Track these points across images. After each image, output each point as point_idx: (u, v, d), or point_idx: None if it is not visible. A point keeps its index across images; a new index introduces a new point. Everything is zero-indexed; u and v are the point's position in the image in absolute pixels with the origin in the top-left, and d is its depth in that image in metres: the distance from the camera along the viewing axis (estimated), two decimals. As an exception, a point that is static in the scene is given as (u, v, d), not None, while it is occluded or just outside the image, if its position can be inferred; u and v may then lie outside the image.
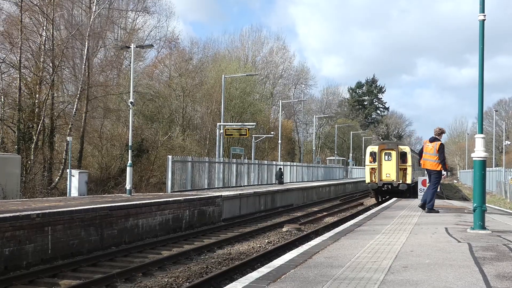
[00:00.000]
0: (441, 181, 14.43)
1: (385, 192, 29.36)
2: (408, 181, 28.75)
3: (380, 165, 29.00)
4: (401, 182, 28.48)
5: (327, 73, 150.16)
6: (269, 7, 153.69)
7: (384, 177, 28.87)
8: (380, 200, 30.26)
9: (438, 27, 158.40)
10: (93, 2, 32.55)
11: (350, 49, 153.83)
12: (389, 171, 28.95)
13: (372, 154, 29.46)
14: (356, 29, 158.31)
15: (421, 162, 14.13)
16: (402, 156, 28.99)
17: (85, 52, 31.57)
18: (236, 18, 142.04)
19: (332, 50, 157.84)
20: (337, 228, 9.94)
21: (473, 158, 9.63)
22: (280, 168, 36.06)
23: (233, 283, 5.28)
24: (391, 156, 29.04)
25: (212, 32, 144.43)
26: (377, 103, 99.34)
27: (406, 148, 29.87)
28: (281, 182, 34.90)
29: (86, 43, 31.38)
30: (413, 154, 30.71)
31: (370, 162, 29.53)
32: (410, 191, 30.17)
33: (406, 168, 28.89)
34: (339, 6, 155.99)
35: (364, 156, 40.12)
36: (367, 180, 29.48)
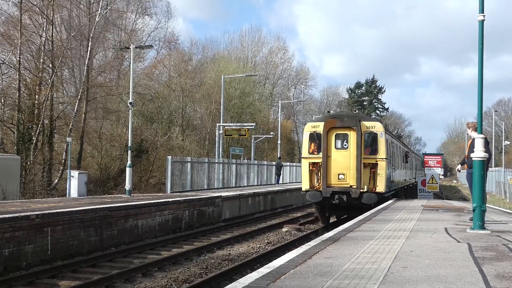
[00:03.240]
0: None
1: (337, 208, 18.05)
2: (381, 188, 17.16)
3: (327, 158, 17.19)
4: (366, 190, 16.85)
5: (328, 72, 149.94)
6: (271, 5, 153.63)
7: (334, 181, 17.29)
8: (329, 222, 19.49)
9: (442, 25, 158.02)
10: (97, 2, 32.50)
11: (352, 47, 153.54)
12: (343, 169, 17.31)
13: (314, 138, 17.92)
14: (358, 27, 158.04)
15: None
16: (370, 141, 17.57)
17: (87, 54, 31.57)
18: (237, 16, 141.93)
19: (333, 49, 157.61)
20: (336, 229, 9.94)
21: (473, 158, 9.64)
22: (280, 158, 36.20)
23: (233, 283, 5.28)
24: (347, 142, 17.46)
25: (213, 31, 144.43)
26: (376, 103, 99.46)
27: (376, 127, 17.64)
28: (278, 174, 35.09)
29: (89, 45, 31.37)
30: (390, 139, 19.66)
31: (310, 152, 18.00)
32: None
33: (377, 164, 17.26)
34: (342, 3, 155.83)
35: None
36: (304, 185, 17.79)
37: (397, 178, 22.96)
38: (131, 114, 22.38)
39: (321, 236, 8.73)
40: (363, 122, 17.59)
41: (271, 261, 6.43)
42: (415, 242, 8.20)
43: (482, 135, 9.74)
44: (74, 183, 24.56)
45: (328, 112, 20.37)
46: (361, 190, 16.88)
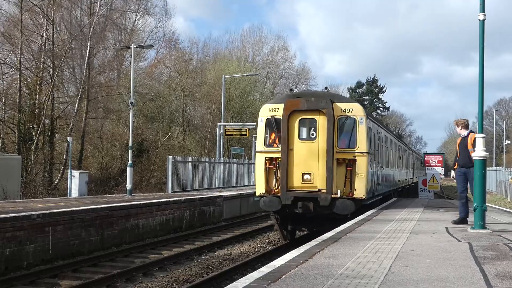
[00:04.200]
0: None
1: (300, 219, 14.13)
2: (360, 192, 13.24)
3: (288, 151, 13.26)
4: (340, 195, 12.93)
5: (330, 71, 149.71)
6: (272, 4, 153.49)
7: (297, 183, 13.35)
8: (290, 237, 14.94)
9: (444, 24, 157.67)
10: (96, 2, 32.53)
11: (353, 46, 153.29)
12: (309, 166, 13.35)
13: (271, 125, 13.90)
14: (360, 25, 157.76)
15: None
16: (346, 130, 13.59)
17: (87, 53, 31.60)
18: (238, 15, 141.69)
19: (335, 48, 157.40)
20: (337, 228, 9.94)
21: (473, 158, 9.63)
22: None
23: (234, 283, 5.28)
24: (315, 130, 13.49)
25: (214, 29, 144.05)
26: (377, 103, 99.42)
27: (355, 110, 13.61)
28: None
29: (88, 44, 31.38)
30: (376, 128, 15.78)
31: (267, 144, 13.97)
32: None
33: (355, 161, 13.31)
34: (344, 2, 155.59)
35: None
36: (258, 189, 13.73)
37: (388, 178, 18.99)
38: (131, 114, 22.39)
39: (322, 236, 8.74)
40: (336, 103, 13.34)
41: (272, 260, 6.43)
42: (416, 242, 8.20)
43: (482, 134, 9.74)
44: (75, 182, 24.58)
45: (291, 90, 14.97)
46: (333, 196, 12.70)
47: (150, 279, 10.65)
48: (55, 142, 30.88)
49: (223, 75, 35.55)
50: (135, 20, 43.73)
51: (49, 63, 29.51)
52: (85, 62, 31.89)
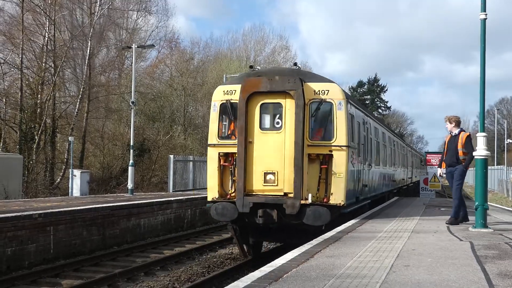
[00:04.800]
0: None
1: (265, 230, 11.58)
2: (337, 197, 10.61)
3: (246, 145, 10.88)
4: (311, 201, 10.43)
5: (331, 70, 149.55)
6: (273, 3, 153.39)
7: (258, 185, 10.88)
8: (254, 252, 12.43)
9: (446, 22, 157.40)
10: (96, 2, 32.56)
11: (355, 45, 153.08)
12: (273, 164, 10.83)
13: (227, 111, 11.38)
14: (361, 24, 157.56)
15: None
16: (321, 117, 11.04)
17: (87, 53, 31.62)
18: (239, 14, 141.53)
19: (336, 47, 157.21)
20: (339, 227, 9.94)
21: (475, 157, 9.63)
22: None
23: (235, 282, 5.29)
24: (281, 118, 10.99)
25: (215, 29, 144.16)
26: (378, 102, 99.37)
27: (331, 91, 10.92)
28: None
29: (89, 44, 31.41)
30: (362, 117, 13.19)
31: (222, 136, 11.41)
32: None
33: (332, 156, 10.70)
34: (345, 1, 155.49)
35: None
36: (211, 193, 11.21)
37: (379, 179, 16.46)
38: (133, 113, 22.42)
39: (323, 235, 8.74)
40: (308, 83, 10.72)
41: (274, 259, 6.43)
42: (417, 241, 8.20)
43: (484, 133, 9.73)
44: (76, 182, 24.58)
45: (251, 68, 11.77)
46: (303, 202, 10.23)
47: (151, 279, 10.66)
48: (56, 141, 30.89)
49: (224, 75, 35.55)
50: (136, 20, 43.74)
51: (51, 63, 29.52)
52: (86, 62, 31.90)
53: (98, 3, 32.43)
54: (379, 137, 16.49)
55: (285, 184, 10.61)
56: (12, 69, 29.12)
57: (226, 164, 11.13)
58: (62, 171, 29.18)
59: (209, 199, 11.09)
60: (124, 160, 31.56)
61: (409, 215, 12.80)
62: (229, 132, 11.34)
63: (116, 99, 36.90)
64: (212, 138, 11.31)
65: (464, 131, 10.54)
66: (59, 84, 31.46)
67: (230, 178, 11.10)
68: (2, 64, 28.26)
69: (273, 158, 10.74)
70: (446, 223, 10.58)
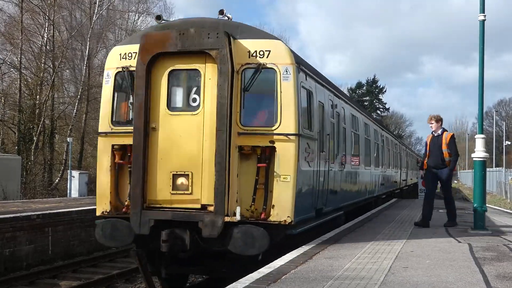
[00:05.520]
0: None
1: (179, 258, 7.80)
2: (282, 211, 7.23)
3: (148, 131, 7.58)
4: (239, 217, 7.09)
5: (330, 71, 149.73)
6: (273, 4, 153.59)
7: (163, 193, 7.51)
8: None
9: (446, 24, 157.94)
10: (95, 3, 32.57)
11: (354, 46, 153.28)
12: (186, 162, 7.46)
13: (126, 84, 8.03)
14: (361, 25, 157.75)
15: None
16: (255, 89, 7.54)
17: (86, 53, 31.62)
18: (239, 14, 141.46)
19: (336, 48, 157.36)
20: (337, 229, 9.92)
21: (473, 159, 9.64)
22: None
23: (233, 283, 5.28)
24: (198, 92, 7.59)
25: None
26: (377, 103, 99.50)
27: (273, 53, 7.43)
28: None
29: (87, 45, 31.40)
30: (327, 97, 9.67)
31: (117, 119, 8.10)
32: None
33: (274, 150, 7.33)
34: (345, 2, 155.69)
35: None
36: (100, 205, 7.84)
37: (357, 183, 13.07)
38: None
39: (321, 237, 8.73)
40: (240, 41, 7.59)
41: (272, 261, 6.43)
42: (415, 242, 8.19)
43: (482, 135, 9.74)
44: (74, 183, 24.58)
45: (158, 18, 8.00)
46: (228, 219, 7.15)
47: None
48: (55, 142, 30.90)
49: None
50: (135, 20, 43.74)
51: (49, 64, 29.52)
52: (85, 63, 31.90)
53: (97, 3, 32.43)
54: (359, 129, 13.15)
55: (204, 192, 7.35)
56: (11, 70, 29.13)
57: (124, 161, 7.80)
58: (61, 172, 29.17)
59: (98, 213, 7.87)
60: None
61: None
62: (127, 116, 8.19)
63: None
64: (104, 123, 7.99)
65: (446, 130, 10.17)
66: (58, 84, 31.46)
67: (128, 182, 7.71)
68: (1, 65, 28.26)
69: (187, 152, 7.45)
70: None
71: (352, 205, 12.71)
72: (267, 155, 7.38)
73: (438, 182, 10.31)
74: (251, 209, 7.38)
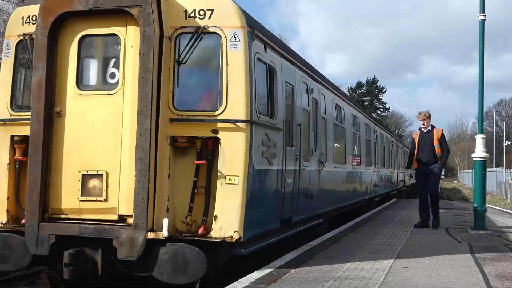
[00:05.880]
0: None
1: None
2: (228, 224, 5.54)
3: (51, 117, 5.87)
4: (166, 233, 5.42)
5: (331, 71, 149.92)
6: (273, 3, 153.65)
7: (69, 200, 5.80)
8: None
9: (446, 24, 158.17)
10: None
11: (355, 46, 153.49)
12: (98, 158, 5.77)
13: (25, 55, 6.27)
14: (362, 25, 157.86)
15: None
16: (192, 62, 5.80)
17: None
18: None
19: (336, 48, 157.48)
20: (337, 229, 9.92)
21: (473, 159, 9.64)
22: None
23: (233, 283, 5.28)
24: (118, 64, 5.85)
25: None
26: (377, 103, 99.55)
27: (217, 11, 5.74)
28: None
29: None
30: (296, 75, 7.73)
31: (18, 103, 6.41)
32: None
33: (218, 142, 5.65)
34: (345, 1, 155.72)
35: None
36: None
37: (342, 185, 11.46)
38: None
39: (322, 236, 8.73)
40: None
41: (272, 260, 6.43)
42: (416, 242, 8.19)
43: (482, 135, 9.75)
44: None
45: None
46: (151, 236, 5.49)
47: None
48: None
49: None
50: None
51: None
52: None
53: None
54: (345, 121, 11.60)
55: (122, 198, 5.73)
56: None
57: (26, 158, 5.96)
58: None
59: None
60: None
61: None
62: (24, 99, 6.54)
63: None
64: (1, 108, 6.37)
65: (434, 126, 9.87)
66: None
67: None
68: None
69: (101, 146, 5.82)
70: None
71: (337, 211, 11.17)
72: (210, 149, 5.68)
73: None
74: (187, 221, 5.66)
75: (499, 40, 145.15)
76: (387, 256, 6.86)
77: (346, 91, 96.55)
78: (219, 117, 5.67)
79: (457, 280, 5.42)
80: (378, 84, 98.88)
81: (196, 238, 5.49)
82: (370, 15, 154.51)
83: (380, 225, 10.81)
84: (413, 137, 10.19)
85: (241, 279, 5.43)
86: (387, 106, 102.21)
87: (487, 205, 10.29)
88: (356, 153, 13.15)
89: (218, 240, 5.54)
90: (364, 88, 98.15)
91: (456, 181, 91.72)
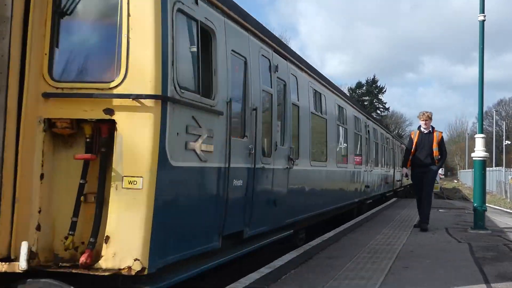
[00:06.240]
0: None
1: None
2: (124, 250, 3.75)
3: None
4: (25, 263, 3.62)
5: (331, 71, 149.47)
6: (273, 3, 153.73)
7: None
8: None
9: (447, 24, 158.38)
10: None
11: (355, 46, 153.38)
12: None
13: None
14: (362, 25, 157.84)
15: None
16: (76, 18, 4.07)
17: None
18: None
19: (336, 47, 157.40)
20: (337, 229, 9.93)
21: (473, 158, 9.65)
22: None
23: (233, 283, 5.27)
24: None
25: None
26: (377, 103, 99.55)
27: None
28: None
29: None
30: (255, 46, 6.10)
31: None
32: None
33: (115, 129, 3.87)
34: (346, 1, 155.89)
35: None
36: None
37: (326, 186, 9.89)
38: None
39: (321, 236, 8.73)
40: None
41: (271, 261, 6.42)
42: (416, 242, 8.19)
43: (482, 135, 9.75)
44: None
45: None
46: (5, 268, 3.74)
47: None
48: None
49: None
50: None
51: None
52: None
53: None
54: (327, 111, 9.85)
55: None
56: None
57: None
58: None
59: None
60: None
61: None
62: None
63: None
64: None
65: (434, 128, 9.69)
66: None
67: None
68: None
69: None
70: (416, 227, 9.97)
71: (317, 218, 9.38)
72: (104, 138, 3.99)
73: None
74: (66, 244, 3.96)
75: (499, 40, 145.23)
76: (387, 256, 6.86)
77: (346, 91, 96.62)
78: (115, 91, 3.88)
79: (457, 280, 5.42)
80: (378, 84, 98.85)
81: (73, 271, 3.70)
82: (370, 15, 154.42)
83: (379, 225, 10.81)
84: (411, 136, 9.98)
85: (241, 279, 5.43)
86: (387, 106, 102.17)
87: (486, 204, 10.29)
88: (343, 150, 11.50)
89: (109, 273, 3.71)
90: (364, 88, 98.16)
91: (456, 181, 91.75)
